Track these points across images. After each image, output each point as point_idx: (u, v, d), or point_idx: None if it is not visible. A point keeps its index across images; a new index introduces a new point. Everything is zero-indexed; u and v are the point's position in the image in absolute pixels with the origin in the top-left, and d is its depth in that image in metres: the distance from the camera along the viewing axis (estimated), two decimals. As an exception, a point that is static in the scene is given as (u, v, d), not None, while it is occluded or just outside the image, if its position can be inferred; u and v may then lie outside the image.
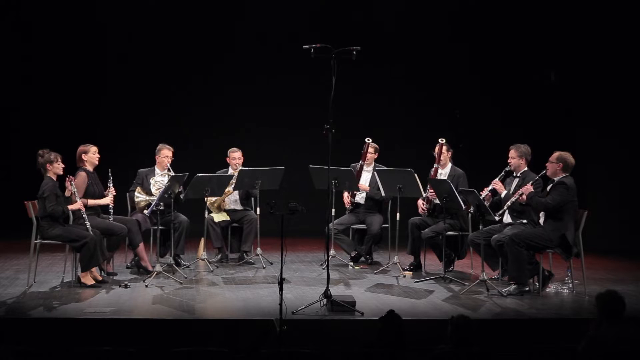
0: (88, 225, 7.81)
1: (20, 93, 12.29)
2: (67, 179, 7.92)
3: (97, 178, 8.37)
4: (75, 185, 7.95)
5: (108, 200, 8.24)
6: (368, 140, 9.22)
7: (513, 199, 7.87)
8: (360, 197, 9.44)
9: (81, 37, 12.20)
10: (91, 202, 8.17)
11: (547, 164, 7.83)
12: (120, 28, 12.16)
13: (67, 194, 7.93)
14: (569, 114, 12.16)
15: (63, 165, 7.94)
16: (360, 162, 9.29)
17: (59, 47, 12.21)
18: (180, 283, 8.05)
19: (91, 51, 12.27)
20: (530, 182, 7.87)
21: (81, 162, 8.26)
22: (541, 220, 7.85)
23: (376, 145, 9.39)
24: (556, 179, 7.73)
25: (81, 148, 8.30)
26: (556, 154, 7.81)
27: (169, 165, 8.92)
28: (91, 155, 8.27)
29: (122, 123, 12.28)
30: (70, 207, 7.91)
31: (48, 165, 7.85)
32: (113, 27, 12.16)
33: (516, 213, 8.09)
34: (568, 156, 7.79)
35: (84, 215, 7.85)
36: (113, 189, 8.28)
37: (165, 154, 8.98)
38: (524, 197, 7.77)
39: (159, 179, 8.88)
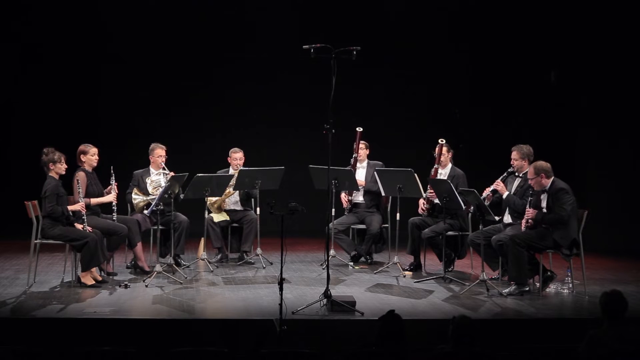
0: (86, 226, 7.82)
1: (21, 93, 12.28)
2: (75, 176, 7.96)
3: (96, 178, 8.37)
4: (73, 186, 7.95)
5: (111, 197, 8.24)
6: (359, 129, 9.19)
7: (523, 228, 7.73)
8: (356, 194, 9.41)
9: (82, 35, 12.19)
10: (94, 201, 8.17)
11: (530, 182, 7.75)
12: (121, 27, 12.13)
13: (75, 193, 7.95)
14: (569, 114, 12.15)
15: (66, 166, 7.95)
16: (353, 155, 9.27)
17: (59, 46, 12.20)
18: (180, 283, 8.05)
19: (92, 50, 12.25)
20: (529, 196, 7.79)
21: (80, 162, 8.26)
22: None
23: (366, 142, 9.39)
24: (547, 188, 7.69)
25: (82, 148, 8.29)
26: (531, 170, 7.73)
27: (163, 164, 8.93)
28: (90, 157, 8.26)
29: (123, 123, 12.27)
30: (70, 207, 7.91)
31: (50, 164, 7.85)
32: (114, 26, 12.13)
33: (516, 214, 8.08)
34: (541, 163, 7.72)
35: (84, 217, 7.86)
36: (116, 186, 8.28)
37: (158, 153, 8.97)
38: (531, 222, 7.70)
39: (155, 178, 8.88)
